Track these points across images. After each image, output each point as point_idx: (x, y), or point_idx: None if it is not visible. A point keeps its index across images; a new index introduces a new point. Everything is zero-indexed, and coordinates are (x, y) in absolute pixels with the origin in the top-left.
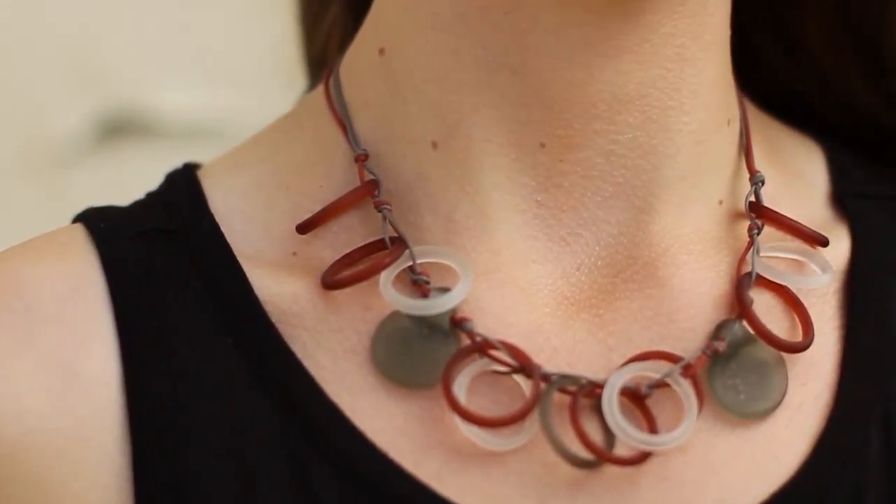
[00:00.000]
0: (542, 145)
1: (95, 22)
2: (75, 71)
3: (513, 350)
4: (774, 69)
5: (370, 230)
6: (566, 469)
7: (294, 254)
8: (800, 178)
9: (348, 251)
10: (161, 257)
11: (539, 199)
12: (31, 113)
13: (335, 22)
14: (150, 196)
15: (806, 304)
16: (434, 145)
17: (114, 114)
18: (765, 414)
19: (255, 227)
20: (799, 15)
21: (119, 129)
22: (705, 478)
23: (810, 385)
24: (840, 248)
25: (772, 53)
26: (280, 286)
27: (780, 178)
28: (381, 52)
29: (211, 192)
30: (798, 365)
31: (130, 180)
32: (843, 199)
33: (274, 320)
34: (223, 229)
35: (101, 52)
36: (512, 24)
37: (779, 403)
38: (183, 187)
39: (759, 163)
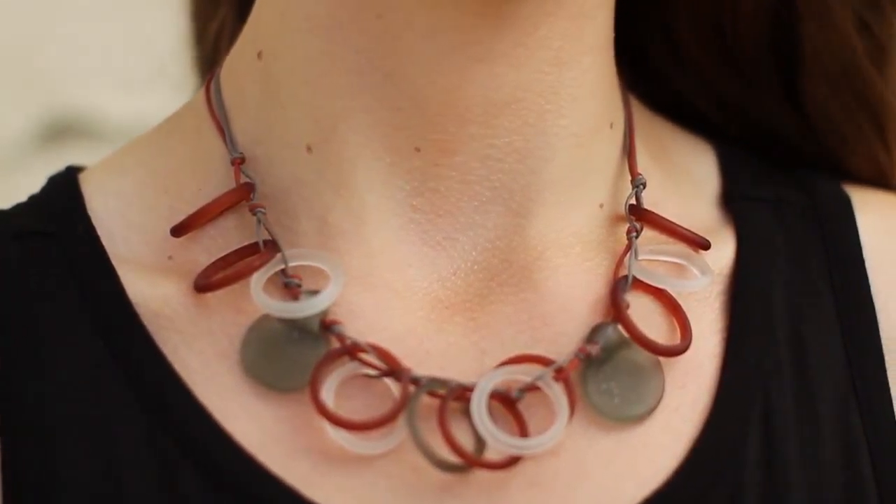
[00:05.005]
0: (417, 149)
1: (38, 25)
2: (18, 74)
3: (382, 353)
4: (665, 75)
5: (246, 234)
6: (436, 473)
7: (170, 257)
8: (689, 180)
9: (223, 255)
10: (36, 259)
11: (415, 203)
12: None
13: (224, 23)
14: (31, 199)
15: (687, 308)
16: (309, 149)
17: (57, 117)
18: (640, 418)
19: (132, 230)
20: (675, 20)
21: (62, 132)
22: (577, 482)
23: (689, 388)
24: (725, 250)
25: (661, 60)
26: (154, 289)
27: (667, 181)
28: (259, 55)
29: (91, 195)
30: (677, 368)
31: None
32: (732, 201)
33: (146, 323)
34: (100, 232)
35: (43, 56)
36: (384, 27)
37: (654, 407)
38: (62, 190)
39: (646, 166)
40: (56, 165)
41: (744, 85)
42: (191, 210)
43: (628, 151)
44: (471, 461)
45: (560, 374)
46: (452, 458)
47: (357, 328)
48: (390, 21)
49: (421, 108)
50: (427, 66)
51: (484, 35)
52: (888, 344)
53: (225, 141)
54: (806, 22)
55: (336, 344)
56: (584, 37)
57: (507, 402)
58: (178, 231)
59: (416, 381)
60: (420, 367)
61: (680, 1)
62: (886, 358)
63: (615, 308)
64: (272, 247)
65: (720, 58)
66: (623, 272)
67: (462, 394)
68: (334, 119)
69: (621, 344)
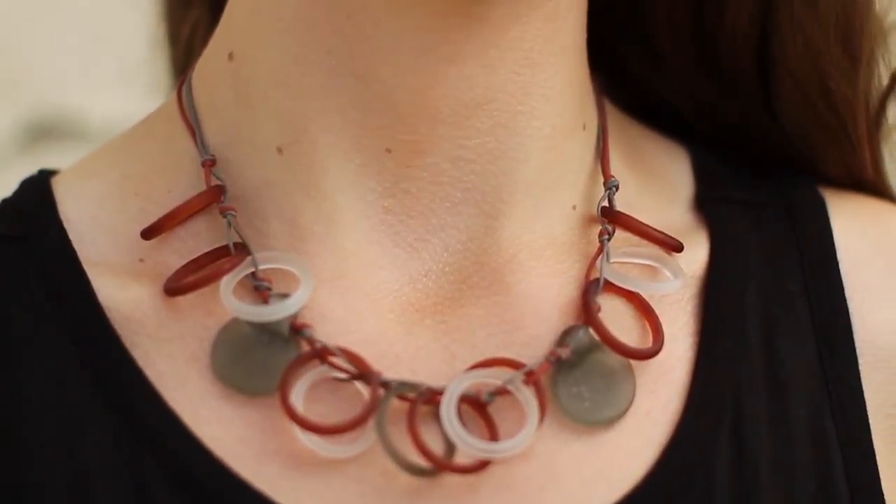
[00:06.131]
0: (389, 150)
1: (21, 26)
2: (0, 75)
3: (352, 357)
4: (644, 78)
5: (217, 236)
6: (406, 477)
7: (141, 260)
8: (663, 182)
9: (194, 257)
10: (6, 264)
11: (386, 204)
12: None
13: (197, 25)
14: (3, 202)
15: (660, 311)
16: (280, 151)
17: (40, 118)
18: (611, 422)
19: (104, 233)
20: (651, 21)
21: (45, 133)
22: (547, 485)
23: (660, 392)
24: (698, 253)
25: (640, 64)
26: (124, 292)
27: (641, 183)
28: (231, 56)
29: (62, 199)
30: (648, 372)
31: None
32: (706, 204)
33: (116, 327)
34: (72, 236)
35: (26, 57)
36: (355, 28)
37: (625, 411)
38: (35, 194)
39: (619, 168)
40: (40, 166)
41: (722, 90)
42: (161, 212)
43: (601, 153)
44: (440, 465)
45: (530, 377)
46: (422, 462)
47: (327, 331)
48: (360, 21)
49: (391, 108)
50: (398, 67)
51: (455, 36)
52: (862, 347)
53: (196, 143)
54: (778, 31)
55: (306, 347)
56: (557, 38)
57: (477, 406)
58: (148, 234)
59: (385, 384)
60: (390, 370)
61: (659, 9)
62: (860, 361)
63: (586, 311)
64: (242, 249)
65: (699, 63)
66: (595, 275)
67: (432, 397)
68: (305, 120)
69: (592, 347)
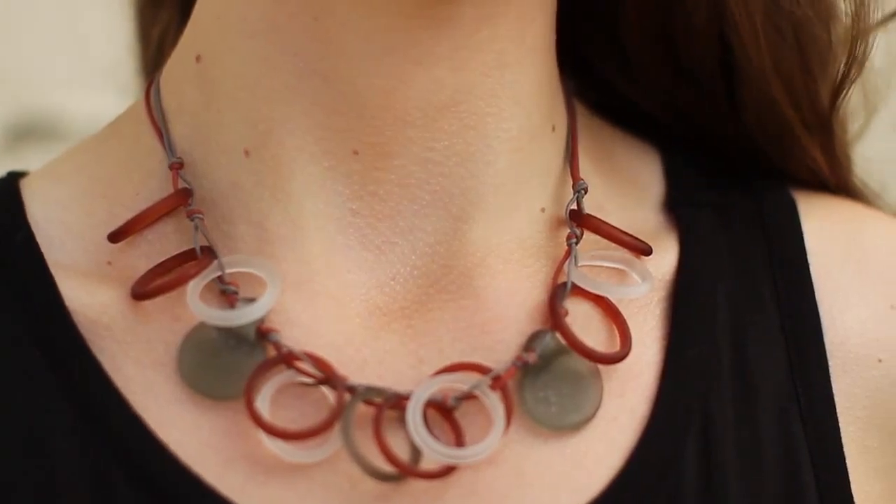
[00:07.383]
0: (356, 153)
1: (1, 26)
2: None
3: (318, 361)
4: (611, 79)
5: (185, 239)
6: (372, 483)
7: (109, 263)
8: (633, 184)
9: (161, 261)
10: None
11: (353, 207)
12: None
13: (168, 27)
14: None
15: (628, 315)
16: (246, 153)
17: (21, 118)
18: (577, 426)
19: (71, 236)
20: (622, 22)
21: (26, 133)
22: (514, 491)
23: (627, 397)
24: (668, 256)
25: (606, 64)
26: (91, 296)
27: (610, 186)
28: (198, 58)
29: (30, 201)
30: (616, 376)
31: None
32: (676, 206)
33: (82, 331)
34: (39, 239)
35: (7, 57)
36: (322, 29)
37: (592, 416)
38: (2, 196)
39: (588, 170)
40: (21, 167)
41: (690, 91)
42: (128, 215)
43: (570, 155)
44: (406, 471)
45: (497, 382)
46: (388, 468)
47: (294, 336)
48: (327, 23)
49: (358, 110)
50: (364, 68)
51: (422, 37)
52: (832, 350)
53: (164, 145)
54: (734, 30)
55: (272, 352)
56: (525, 39)
57: (443, 411)
58: (115, 237)
59: (351, 389)
60: (357, 375)
61: (631, 16)
62: (830, 363)
63: (553, 315)
64: (209, 253)
65: (666, 64)
66: (563, 278)
67: (398, 402)
68: (271, 123)
69: (559, 352)
